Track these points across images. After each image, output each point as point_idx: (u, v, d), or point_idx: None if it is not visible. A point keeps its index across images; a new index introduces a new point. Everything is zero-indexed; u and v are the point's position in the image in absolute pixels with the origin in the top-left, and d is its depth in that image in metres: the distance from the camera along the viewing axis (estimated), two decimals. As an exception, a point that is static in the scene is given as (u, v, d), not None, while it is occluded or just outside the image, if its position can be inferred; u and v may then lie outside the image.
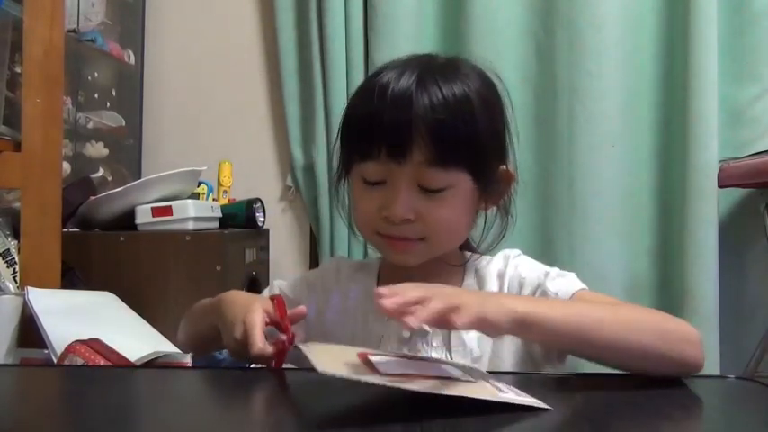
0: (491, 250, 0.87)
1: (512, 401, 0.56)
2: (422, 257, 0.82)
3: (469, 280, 0.86)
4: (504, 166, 0.84)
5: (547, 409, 0.57)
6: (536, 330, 0.67)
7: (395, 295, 0.59)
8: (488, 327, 0.65)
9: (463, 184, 0.79)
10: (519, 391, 0.61)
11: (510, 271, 0.85)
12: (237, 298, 0.81)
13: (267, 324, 0.73)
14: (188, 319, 0.96)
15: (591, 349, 0.69)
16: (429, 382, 0.57)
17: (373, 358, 0.61)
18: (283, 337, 0.71)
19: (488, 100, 0.81)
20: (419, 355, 0.70)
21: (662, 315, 0.74)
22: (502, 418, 0.55)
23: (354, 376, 0.54)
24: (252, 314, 0.73)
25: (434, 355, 0.78)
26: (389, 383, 0.54)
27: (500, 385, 0.61)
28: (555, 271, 0.84)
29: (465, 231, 0.85)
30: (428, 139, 0.75)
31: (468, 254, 0.89)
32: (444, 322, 0.61)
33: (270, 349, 0.70)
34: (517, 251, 0.88)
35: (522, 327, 0.66)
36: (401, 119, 0.74)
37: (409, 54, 0.84)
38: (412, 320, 0.58)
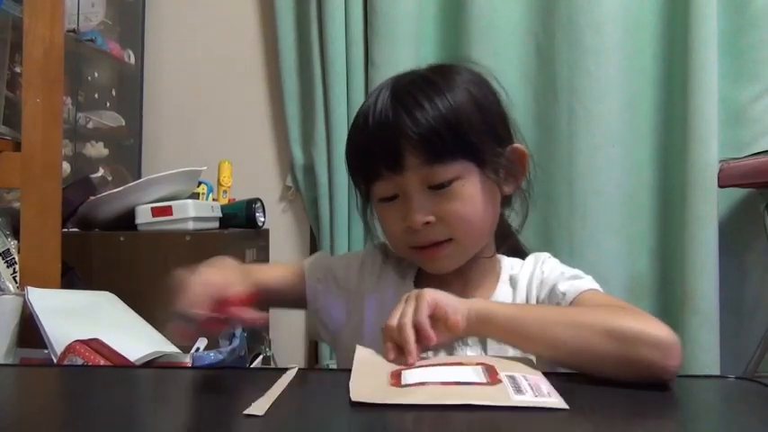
0: (518, 233, 0.93)
1: (526, 405, 0.57)
2: (456, 261, 0.85)
3: (504, 285, 0.88)
4: (513, 145, 0.87)
5: (563, 409, 0.57)
6: (490, 327, 0.72)
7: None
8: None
9: (469, 172, 0.81)
10: (541, 385, 0.61)
11: (537, 273, 0.87)
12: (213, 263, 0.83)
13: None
14: None
15: (540, 348, 0.70)
16: (446, 390, 0.59)
17: (404, 371, 0.64)
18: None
19: (470, 89, 0.83)
20: (448, 356, 0.72)
21: (624, 316, 0.70)
22: (516, 416, 0.56)
23: (371, 400, 0.57)
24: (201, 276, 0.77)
25: (470, 353, 0.79)
26: (401, 402, 0.56)
27: (522, 381, 0.61)
28: (570, 272, 0.85)
29: (489, 223, 0.86)
30: (416, 142, 0.79)
31: (499, 257, 0.92)
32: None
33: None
34: (547, 254, 0.91)
35: (478, 323, 0.71)
36: (386, 134, 0.80)
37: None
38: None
